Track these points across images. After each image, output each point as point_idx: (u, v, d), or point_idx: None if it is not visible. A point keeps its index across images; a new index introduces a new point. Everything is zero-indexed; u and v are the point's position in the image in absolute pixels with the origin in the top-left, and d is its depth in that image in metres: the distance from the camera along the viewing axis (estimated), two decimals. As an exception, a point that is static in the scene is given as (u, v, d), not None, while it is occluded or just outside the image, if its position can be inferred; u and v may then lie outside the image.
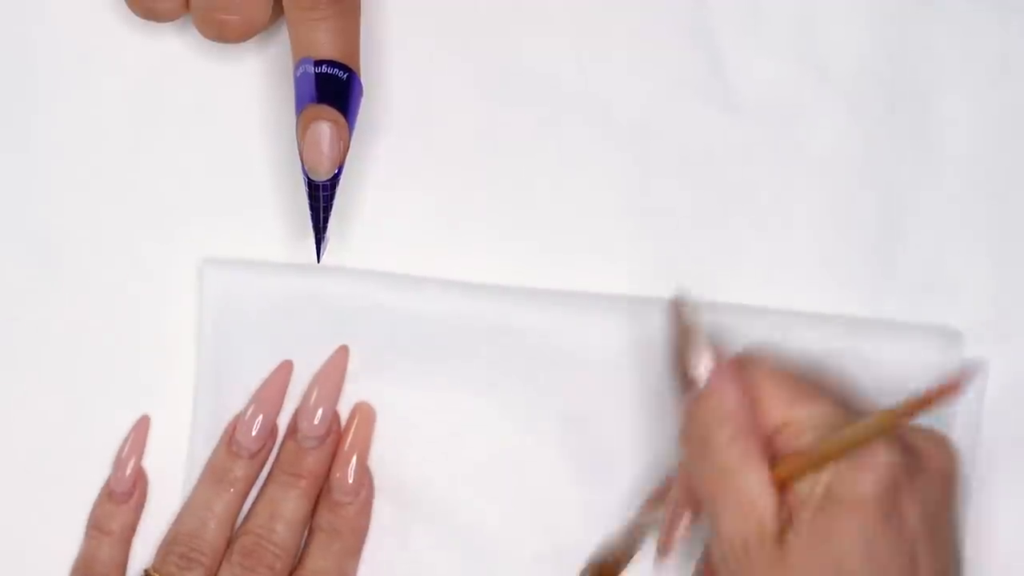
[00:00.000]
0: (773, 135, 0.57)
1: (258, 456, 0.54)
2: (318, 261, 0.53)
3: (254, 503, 0.54)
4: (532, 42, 0.57)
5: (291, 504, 0.53)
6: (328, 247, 0.54)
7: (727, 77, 0.57)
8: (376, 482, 0.55)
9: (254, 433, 0.53)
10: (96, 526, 0.54)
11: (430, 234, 0.56)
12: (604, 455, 0.55)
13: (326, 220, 0.52)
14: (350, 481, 0.53)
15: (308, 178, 0.51)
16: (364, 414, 0.54)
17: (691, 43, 0.57)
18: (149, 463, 0.55)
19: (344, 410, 0.55)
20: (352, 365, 0.55)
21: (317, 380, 0.54)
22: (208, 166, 0.56)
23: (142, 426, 0.55)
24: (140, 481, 0.54)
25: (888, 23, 0.57)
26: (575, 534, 0.54)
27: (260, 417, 0.54)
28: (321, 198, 0.52)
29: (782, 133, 0.57)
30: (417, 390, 0.55)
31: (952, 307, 0.56)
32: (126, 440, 0.54)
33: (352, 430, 0.54)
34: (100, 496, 0.55)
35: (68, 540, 0.55)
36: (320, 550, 0.53)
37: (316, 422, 0.53)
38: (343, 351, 0.54)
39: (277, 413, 0.54)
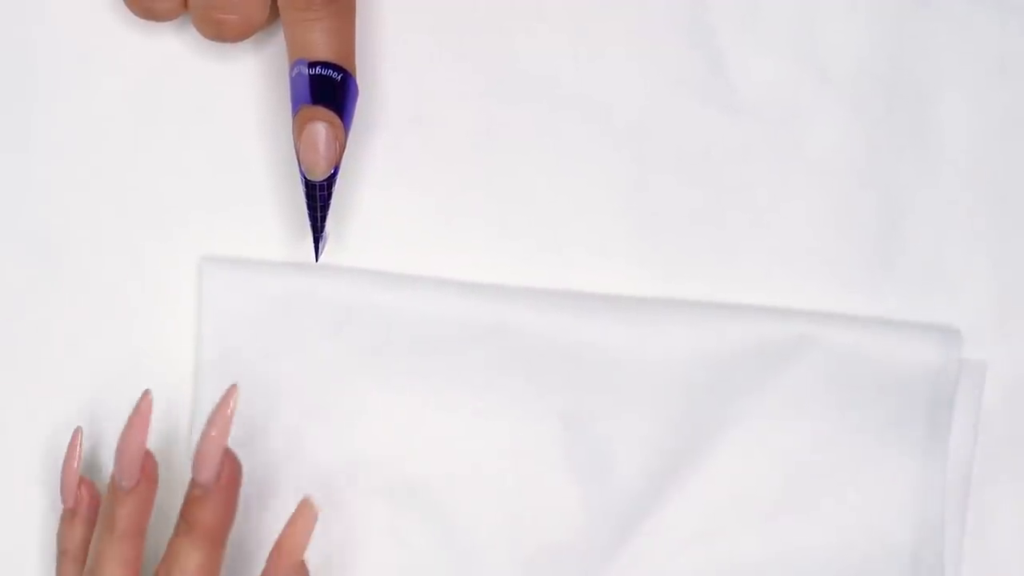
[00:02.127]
0: (773, 135, 0.56)
1: (135, 492, 0.50)
2: (316, 260, 0.53)
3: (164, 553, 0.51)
4: (529, 41, 0.56)
5: (188, 555, 0.49)
6: (326, 246, 0.53)
7: (727, 77, 0.56)
8: (374, 482, 0.54)
9: (123, 475, 0.50)
10: (58, 548, 0.52)
11: (427, 233, 0.55)
12: (602, 455, 0.54)
13: (323, 219, 0.52)
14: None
15: (305, 178, 0.51)
16: (303, 514, 0.50)
17: (690, 42, 0.56)
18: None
19: (349, 422, 0.54)
20: (350, 364, 0.54)
21: (202, 435, 0.49)
22: (207, 165, 0.55)
23: (74, 439, 0.52)
24: (86, 494, 0.52)
25: (888, 23, 0.57)
26: (574, 534, 0.54)
27: (126, 457, 0.50)
28: (318, 197, 0.51)
29: (782, 133, 0.56)
30: (414, 389, 0.54)
31: (952, 307, 0.56)
32: (67, 455, 0.52)
33: (287, 529, 0.50)
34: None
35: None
36: None
37: (202, 475, 0.49)
38: (231, 392, 0.49)
39: (142, 448, 0.50)
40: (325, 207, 0.51)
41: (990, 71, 0.56)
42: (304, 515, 0.50)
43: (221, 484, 0.49)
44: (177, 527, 0.50)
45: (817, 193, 0.56)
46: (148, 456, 0.50)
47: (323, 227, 0.52)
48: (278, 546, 0.50)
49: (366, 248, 0.55)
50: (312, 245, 0.52)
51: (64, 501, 0.52)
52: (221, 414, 0.49)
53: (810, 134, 0.56)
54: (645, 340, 0.54)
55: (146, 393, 0.50)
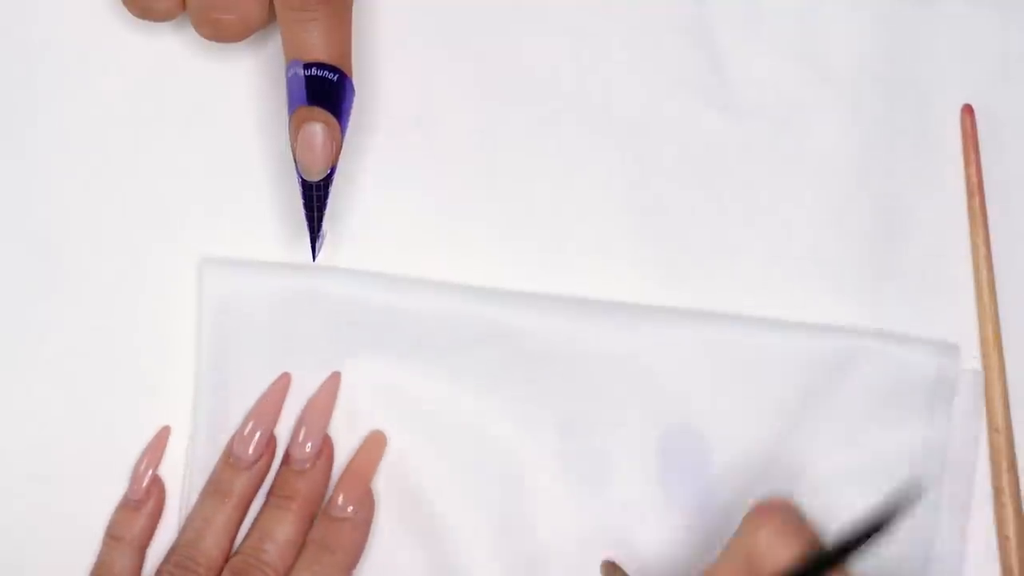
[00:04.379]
0: (773, 135, 0.55)
1: (255, 467, 0.52)
2: (313, 260, 0.52)
3: (250, 527, 0.52)
4: (530, 41, 0.55)
5: (282, 526, 0.51)
6: (325, 247, 0.53)
7: (727, 77, 0.56)
8: (373, 483, 0.53)
9: (251, 449, 0.52)
10: (112, 533, 0.53)
11: (427, 233, 0.54)
12: (601, 458, 0.53)
13: (320, 219, 0.51)
14: (348, 502, 0.52)
15: (302, 178, 0.50)
16: (375, 441, 0.53)
17: (691, 43, 0.56)
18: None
19: (347, 423, 0.53)
20: (349, 365, 0.53)
21: (305, 413, 0.53)
22: (207, 165, 0.55)
23: (161, 436, 0.53)
24: (156, 490, 0.53)
25: (888, 23, 0.56)
26: (572, 536, 0.53)
27: (257, 432, 0.52)
28: (315, 198, 0.50)
29: (782, 133, 0.55)
30: (414, 391, 0.53)
31: (951, 309, 0.55)
32: (145, 449, 0.53)
33: (360, 453, 0.53)
34: (119, 503, 0.53)
35: (67, 540, 0.53)
36: (307, 562, 0.51)
37: (306, 451, 0.52)
38: (335, 378, 0.53)
39: (273, 426, 0.53)
40: (322, 207, 0.51)
41: (990, 71, 0.56)
42: (374, 442, 0.53)
43: (322, 459, 0.52)
44: (269, 500, 0.52)
45: (817, 193, 0.55)
46: (270, 436, 0.53)
47: (320, 227, 0.51)
48: (349, 471, 0.52)
49: (366, 248, 0.54)
50: (309, 245, 0.52)
51: (131, 492, 0.53)
52: (328, 391, 0.52)
53: (810, 134, 0.55)
54: (644, 347, 0.53)
55: (283, 375, 0.53)
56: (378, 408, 0.53)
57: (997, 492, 0.53)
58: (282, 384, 0.53)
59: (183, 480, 0.53)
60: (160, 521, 0.53)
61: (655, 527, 0.53)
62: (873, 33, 0.56)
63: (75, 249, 0.54)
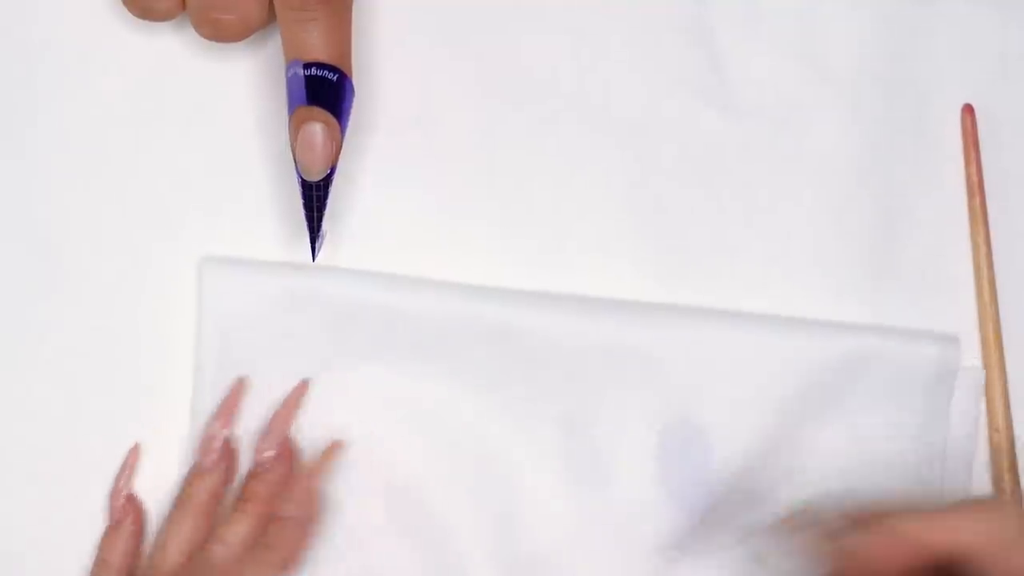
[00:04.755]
0: (773, 135, 0.55)
1: (215, 473, 0.52)
2: (313, 260, 0.52)
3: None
4: (529, 41, 0.55)
5: (235, 527, 0.51)
6: (325, 247, 0.53)
7: (727, 77, 0.55)
8: (372, 482, 0.53)
9: (206, 454, 0.52)
10: (100, 556, 0.53)
11: (428, 233, 0.54)
12: (602, 456, 0.53)
13: (320, 219, 0.51)
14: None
15: (301, 178, 0.50)
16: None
17: (691, 42, 0.55)
18: (148, 462, 0.53)
19: (346, 423, 0.53)
20: (349, 364, 0.53)
21: (270, 420, 0.53)
22: (207, 165, 0.54)
23: (132, 456, 0.53)
24: (132, 508, 0.53)
25: (888, 23, 0.56)
26: (571, 536, 0.53)
27: (212, 437, 0.52)
28: (315, 197, 0.50)
29: (781, 133, 0.55)
30: (414, 390, 0.53)
31: (952, 308, 0.55)
32: (118, 472, 0.53)
33: (316, 460, 0.53)
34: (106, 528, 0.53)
35: (66, 539, 0.53)
36: (247, 560, 0.51)
37: (265, 456, 0.52)
38: (301, 387, 0.53)
39: (228, 430, 0.53)
40: (321, 207, 0.50)
41: (990, 71, 0.56)
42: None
43: (281, 463, 0.52)
44: (234, 502, 0.52)
45: (816, 193, 0.55)
46: (227, 441, 0.52)
47: (319, 227, 0.51)
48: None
49: (366, 248, 0.54)
50: (309, 245, 0.51)
51: (111, 514, 0.52)
52: (295, 397, 0.53)
53: (810, 134, 0.55)
54: (645, 344, 0.53)
55: (239, 381, 0.53)
56: (377, 408, 0.53)
57: (998, 492, 0.53)
58: (237, 391, 0.53)
59: (182, 480, 0.53)
60: (143, 538, 0.53)
61: (656, 525, 0.53)
62: (873, 33, 0.55)
63: (75, 249, 0.54)
